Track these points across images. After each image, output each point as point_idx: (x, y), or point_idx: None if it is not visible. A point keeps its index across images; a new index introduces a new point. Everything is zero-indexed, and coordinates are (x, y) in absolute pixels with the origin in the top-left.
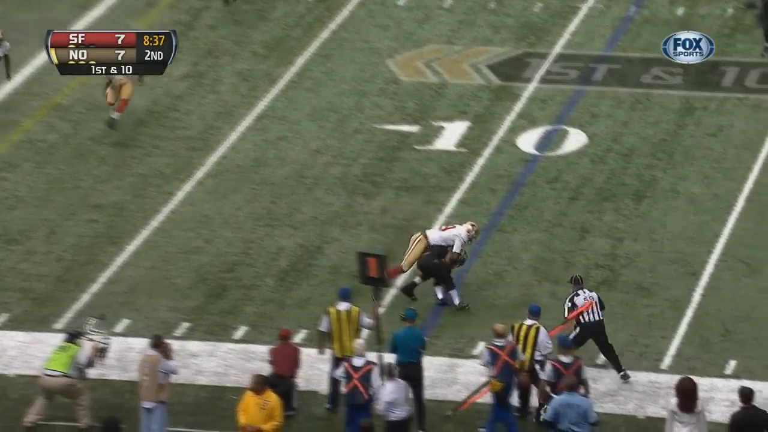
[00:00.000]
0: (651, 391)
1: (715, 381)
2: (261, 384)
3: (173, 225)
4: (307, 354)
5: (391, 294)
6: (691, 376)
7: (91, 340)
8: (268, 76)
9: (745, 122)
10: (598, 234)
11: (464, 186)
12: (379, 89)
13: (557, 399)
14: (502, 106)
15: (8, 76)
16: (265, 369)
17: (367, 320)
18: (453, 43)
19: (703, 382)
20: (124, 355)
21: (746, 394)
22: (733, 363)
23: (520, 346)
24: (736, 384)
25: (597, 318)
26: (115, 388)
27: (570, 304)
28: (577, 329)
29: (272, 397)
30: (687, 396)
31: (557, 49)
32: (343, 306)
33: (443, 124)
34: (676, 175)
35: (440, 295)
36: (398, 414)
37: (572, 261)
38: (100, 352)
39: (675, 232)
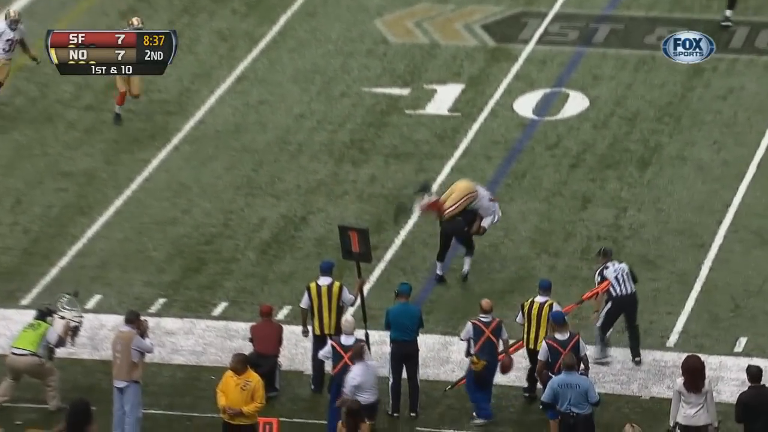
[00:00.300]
0: (656, 370)
1: (725, 359)
2: (241, 363)
3: (148, 194)
4: (291, 332)
5: (380, 269)
6: (699, 354)
7: (63, 317)
8: (249, 36)
9: (756, 84)
10: (601, 203)
11: (458, 153)
12: (367, 50)
13: (555, 379)
14: (499, 68)
15: (31, 56)
16: (246, 347)
17: (349, 296)
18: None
19: (711, 361)
20: (96, 333)
21: (755, 373)
22: (743, 340)
23: (533, 325)
24: (747, 362)
25: (629, 291)
26: (86, 368)
27: (599, 279)
28: (609, 304)
29: (253, 378)
30: (694, 375)
31: (556, 7)
32: (324, 281)
33: (435, 86)
34: (683, 140)
35: (439, 272)
36: (365, 398)
37: (573, 232)
38: (73, 330)
39: (682, 201)
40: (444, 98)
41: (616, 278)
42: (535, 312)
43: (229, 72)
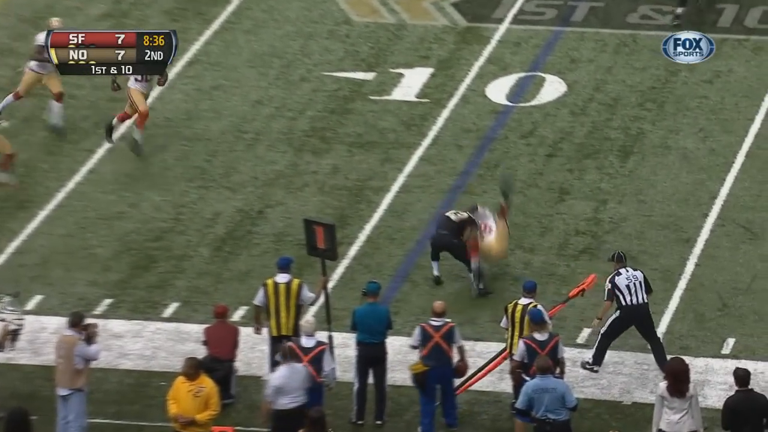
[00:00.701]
0: (638, 373)
1: (711, 361)
2: (194, 368)
3: (92, 187)
4: (247, 334)
5: (343, 266)
6: (683, 357)
7: (3, 320)
8: (201, 16)
9: (745, 67)
10: (579, 195)
11: (426, 142)
12: (328, 31)
13: (529, 384)
14: (470, 50)
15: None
16: (199, 351)
17: (308, 295)
18: None
19: (697, 363)
20: (36, 336)
21: (742, 376)
22: (731, 341)
23: (516, 330)
24: (734, 365)
25: (640, 301)
26: (25, 374)
27: (610, 285)
28: (617, 312)
29: (207, 383)
30: (678, 379)
31: None
32: (282, 278)
33: (402, 71)
34: (667, 128)
35: (435, 272)
36: (285, 403)
37: (549, 226)
38: (12, 333)
39: (666, 192)
40: (411, 83)
41: (628, 287)
42: (518, 315)
43: (180, 55)
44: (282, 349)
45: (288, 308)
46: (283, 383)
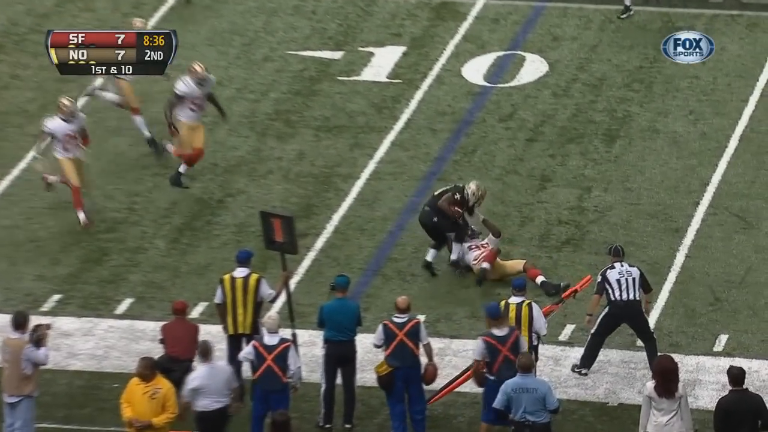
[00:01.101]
0: (625, 373)
1: (703, 359)
2: (149, 369)
3: (39, 174)
4: (207, 332)
5: (309, 258)
6: (673, 354)
7: None
8: None
9: (738, 45)
10: (562, 183)
11: (399, 125)
12: (293, 7)
13: (509, 383)
14: (445, 27)
15: (222, 114)
16: (155, 350)
17: (267, 291)
18: None
19: (687, 361)
20: None
21: (736, 375)
22: (723, 338)
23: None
24: (728, 363)
25: (630, 297)
26: None
27: (600, 278)
28: (606, 308)
29: (164, 384)
30: (666, 378)
31: None
32: (240, 273)
33: (372, 49)
34: (655, 110)
35: (430, 258)
36: (207, 404)
37: (530, 216)
38: None
39: (654, 179)
40: (382, 63)
41: (618, 281)
42: (512, 315)
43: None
44: (201, 346)
45: (245, 305)
46: (202, 384)
